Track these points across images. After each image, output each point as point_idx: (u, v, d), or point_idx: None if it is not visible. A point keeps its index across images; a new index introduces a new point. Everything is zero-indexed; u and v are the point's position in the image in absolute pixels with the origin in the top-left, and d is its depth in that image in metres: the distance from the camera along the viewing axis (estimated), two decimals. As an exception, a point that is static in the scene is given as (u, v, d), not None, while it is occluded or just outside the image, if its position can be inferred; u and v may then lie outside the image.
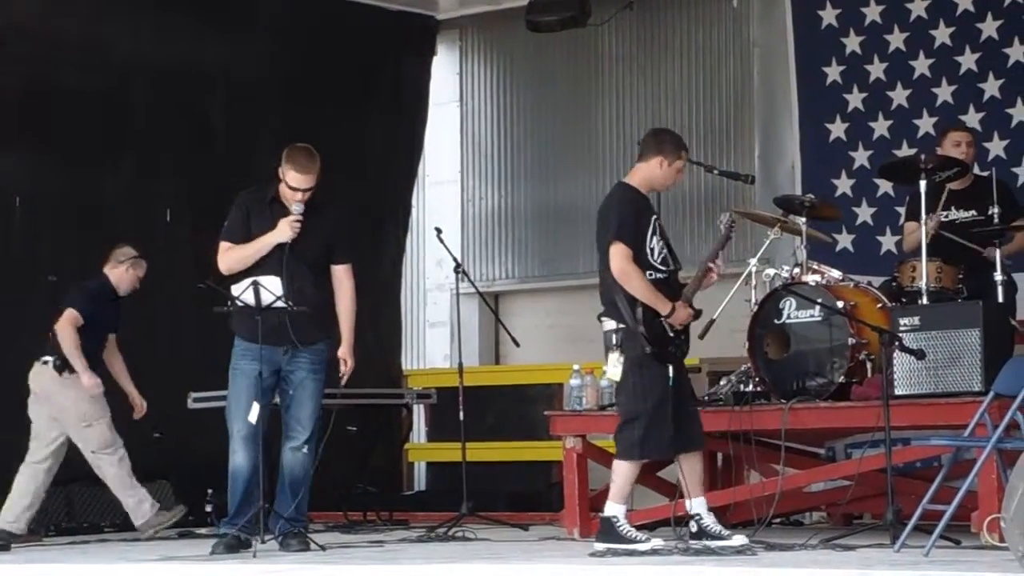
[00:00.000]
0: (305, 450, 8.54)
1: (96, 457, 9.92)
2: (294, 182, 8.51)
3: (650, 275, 7.87)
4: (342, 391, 9.99)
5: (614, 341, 7.90)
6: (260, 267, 8.47)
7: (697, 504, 7.97)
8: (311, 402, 8.58)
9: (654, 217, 7.97)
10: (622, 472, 7.89)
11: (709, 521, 7.93)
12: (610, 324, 7.92)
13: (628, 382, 7.87)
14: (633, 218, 7.86)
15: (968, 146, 9.33)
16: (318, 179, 8.61)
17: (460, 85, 13.73)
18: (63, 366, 9.87)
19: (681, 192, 12.24)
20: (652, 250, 7.90)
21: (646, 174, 8.02)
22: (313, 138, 12.22)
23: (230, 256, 8.52)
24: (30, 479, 9.84)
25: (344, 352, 8.67)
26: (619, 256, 7.82)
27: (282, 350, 8.48)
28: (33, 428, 9.98)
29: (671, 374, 7.83)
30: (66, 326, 9.83)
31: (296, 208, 8.48)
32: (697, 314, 8.04)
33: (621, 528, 7.83)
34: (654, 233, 7.92)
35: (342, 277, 8.68)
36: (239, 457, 8.44)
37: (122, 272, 10.09)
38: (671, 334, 7.86)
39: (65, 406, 9.87)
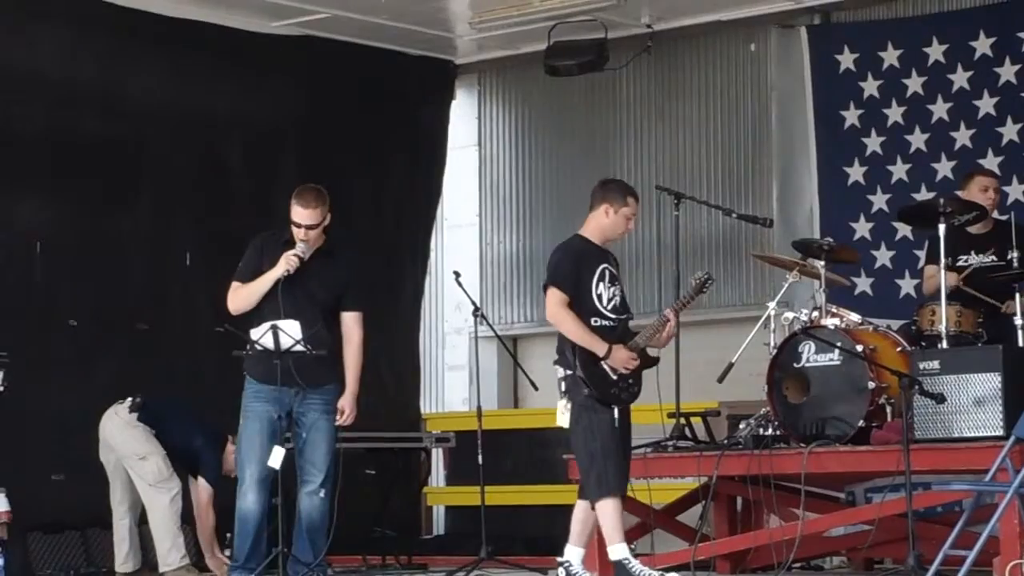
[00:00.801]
0: (322, 494, 8.51)
1: (151, 491, 9.98)
2: (297, 217, 8.52)
3: (595, 321, 8.04)
4: (361, 434, 10.02)
5: (562, 388, 8.07)
6: (272, 308, 8.43)
7: (571, 551, 8.13)
8: (324, 444, 8.55)
9: (603, 266, 8.11)
10: (606, 513, 7.97)
11: (578, 570, 8.09)
12: (560, 372, 8.10)
13: (578, 427, 8.03)
14: (573, 265, 8.06)
15: (996, 192, 9.38)
16: (326, 219, 8.57)
17: (479, 129, 13.76)
18: (139, 409, 10.08)
19: (700, 235, 12.24)
20: (599, 296, 8.06)
21: (596, 223, 8.21)
22: (332, 182, 12.23)
23: (237, 294, 8.55)
24: (120, 522, 10.12)
25: (345, 402, 8.57)
26: (551, 301, 8.05)
27: (293, 392, 8.47)
28: (108, 474, 10.20)
29: (616, 415, 7.97)
30: (205, 499, 10.13)
31: (300, 246, 8.48)
32: (651, 361, 8.17)
33: (632, 568, 7.90)
34: (601, 280, 8.07)
35: (351, 325, 8.62)
36: (250, 500, 8.41)
37: None
38: (614, 377, 7.98)
39: (122, 439, 10.07)
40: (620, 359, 7.96)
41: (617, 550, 7.93)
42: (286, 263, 8.41)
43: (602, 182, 8.37)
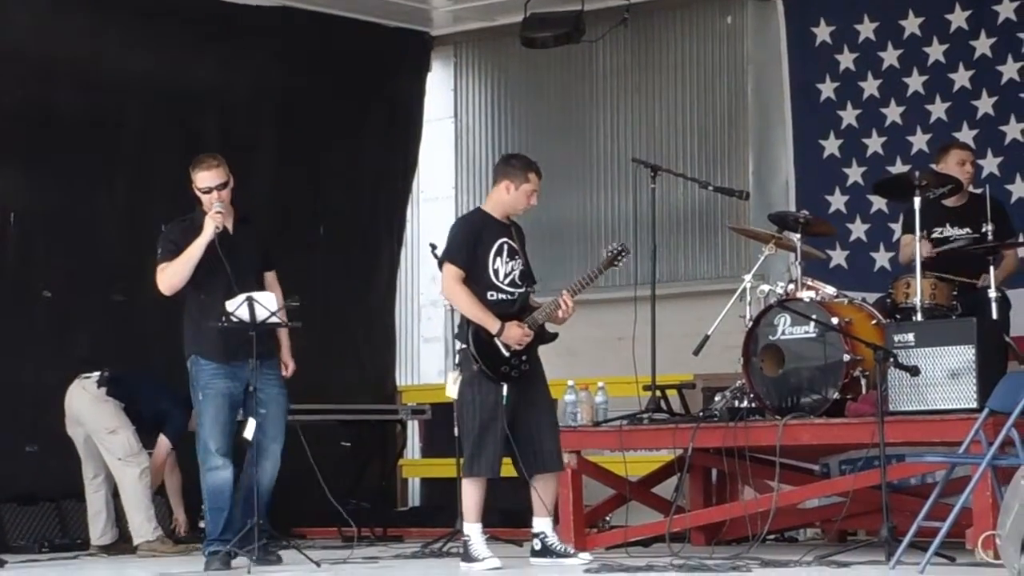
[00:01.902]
0: (278, 466, 8.57)
1: (121, 465, 10.03)
2: (204, 181, 8.59)
3: (492, 295, 8.11)
4: (337, 406, 10.02)
5: (455, 360, 8.22)
6: (220, 281, 8.45)
7: (543, 523, 8.16)
8: (282, 416, 8.67)
9: (502, 240, 8.16)
10: (468, 491, 8.11)
11: (553, 540, 8.15)
12: (458, 344, 8.21)
13: (462, 401, 8.12)
14: (468, 240, 8.13)
15: (972, 165, 9.39)
16: (231, 180, 8.65)
17: (455, 101, 13.73)
18: (106, 383, 10.17)
19: (676, 208, 12.25)
20: (496, 271, 8.13)
21: (496, 198, 8.28)
22: (307, 155, 12.33)
23: (168, 270, 8.56)
24: (95, 495, 10.18)
25: (286, 356, 8.73)
26: (446, 276, 8.17)
27: (251, 367, 8.48)
28: (78, 448, 10.24)
29: (505, 392, 7.97)
30: (165, 457, 10.35)
31: (217, 206, 8.51)
32: (548, 337, 8.20)
33: (470, 546, 8.04)
34: (499, 254, 8.13)
35: (273, 282, 8.77)
36: (223, 475, 8.44)
37: None
38: (506, 354, 8.03)
39: (92, 414, 10.12)
40: (513, 336, 8.01)
41: (466, 527, 8.08)
42: (213, 222, 8.46)
43: (504, 157, 8.43)
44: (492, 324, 8.02)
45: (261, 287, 8.66)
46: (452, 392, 8.23)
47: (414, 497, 13.05)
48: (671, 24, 12.65)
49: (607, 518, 9.89)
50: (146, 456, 10.11)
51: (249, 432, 8.41)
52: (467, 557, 8.06)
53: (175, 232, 8.68)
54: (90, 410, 10.18)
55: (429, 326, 13.79)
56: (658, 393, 9.30)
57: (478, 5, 12.74)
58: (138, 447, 10.08)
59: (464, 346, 8.10)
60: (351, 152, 12.66)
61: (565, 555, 8.07)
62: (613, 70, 12.88)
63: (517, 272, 8.19)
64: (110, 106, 11.29)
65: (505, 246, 8.18)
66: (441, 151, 13.72)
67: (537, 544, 8.16)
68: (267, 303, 8.42)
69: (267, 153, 11.61)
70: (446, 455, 10.52)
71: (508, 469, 11.26)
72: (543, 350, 8.32)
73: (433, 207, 13.77)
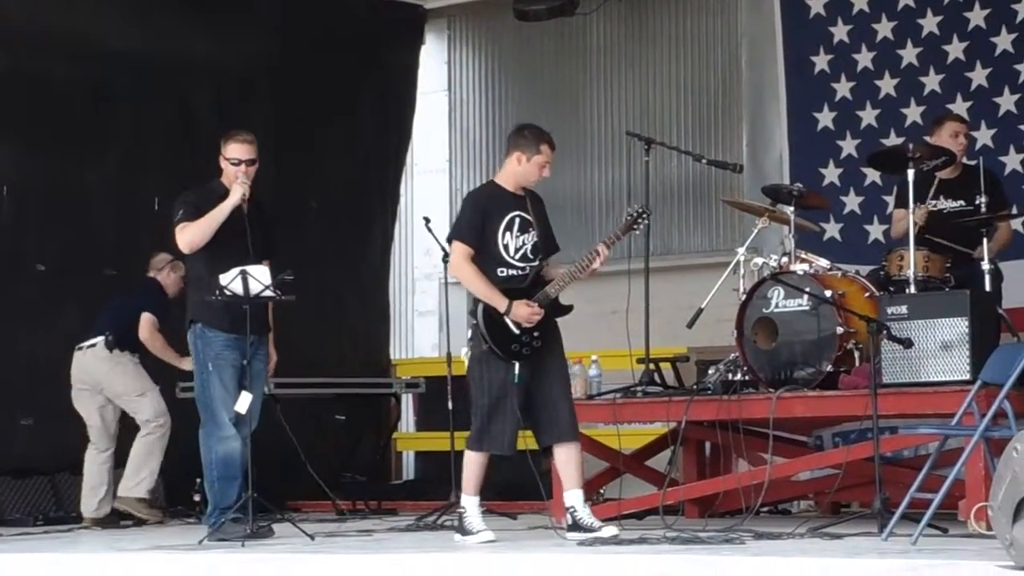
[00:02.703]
0: (247, 441, 8.58)
1: (149, 425, 10.17)
2: (237, 153, 8.61)
3: (503, 272, 8.01)
4: (331, 380, 10.03)
5: (468, 335, 8.12)
6: (239, 248, 8.47)
7: (572, 496, 8.04)
8: (262, 393, 8.77)
9: (513, 214, 8.04)
10: (466, 462, 8.05)
11: (583, 514, 8.00)
12: (471, 320, 8.11)
13: (471, 376, 8.06)
14: (477, 217, 8.02)
15: (965, 137, 9.39)
16: (258, 161, 8.68)
17: (448, 74, 13.72)
18: (115, 343, 10.22)
19: (670, 181, 12.26)
20: (506, 247, 8.02)
21: (509, 170, 8.15)
22: (301, 127, 12.32)
23: (191, 228, 8.55)
24: (100, 467, 10.26)
25: (272, 348, 8.82)
26: (454, 254, 8.07)
27: (250, 340, 8.52)
28: (86, 420, 10.27)
29: (516, 371, 7.90)
30: (149, 330, 10.30)
31: (242, 178, 8.54)
32: (562, 310, 8.10)
33: (465, 518, 8.00)
34: (509, 229, 8.02)
35: (266, 271, 8.73)
36: (234, 444, 8.45)
37: (166, 276, 10.46)
38: (516, 331, 7.94)
39: (116, 380, 10.19)
40: (521, 314, 7.91)
41: (463, 499, 8.04)
42: (241, 188, 8.50)
43: (517, 128, 8.27)
44: (500, 303, 7.92)
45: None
46: (467, 367, 8.14)
47: (408, 470, 13.07)
48: (665, -3, 12.64)
49: (601, 491, 9.90)
50: (168, 417, 10.20)
51: (242, 405, 8.41)
52: (462, 529, 8.04)
53: (195, 195, 8.68)
54: (111, 376, 10.24)
55: (423, 299, 13.80)
56: (652, 366, 9.30)
57: (472, -22, 12.73)
58: (163, 407, 10.24)
59: (475, 323, 8.01)
60: (345, 125, 12.65)
61: (590, 529, 7.91)
62: (607, 43, 12.87)
63: (529, 246, 8.05)
64: (104, 79, 11.27)
65: (517, 219, 8.03)
66: (435, 124, 13.72)
67: (568, 519, 8.04)
68: (261, 277, 8.42)
69: (261, 127, 11.51)
70: (440, 428, 10.55)
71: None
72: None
73: (427, 180, 13.77)
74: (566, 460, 8.06)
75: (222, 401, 8.49)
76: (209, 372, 8.53)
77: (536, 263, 8.08)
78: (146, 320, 10.31)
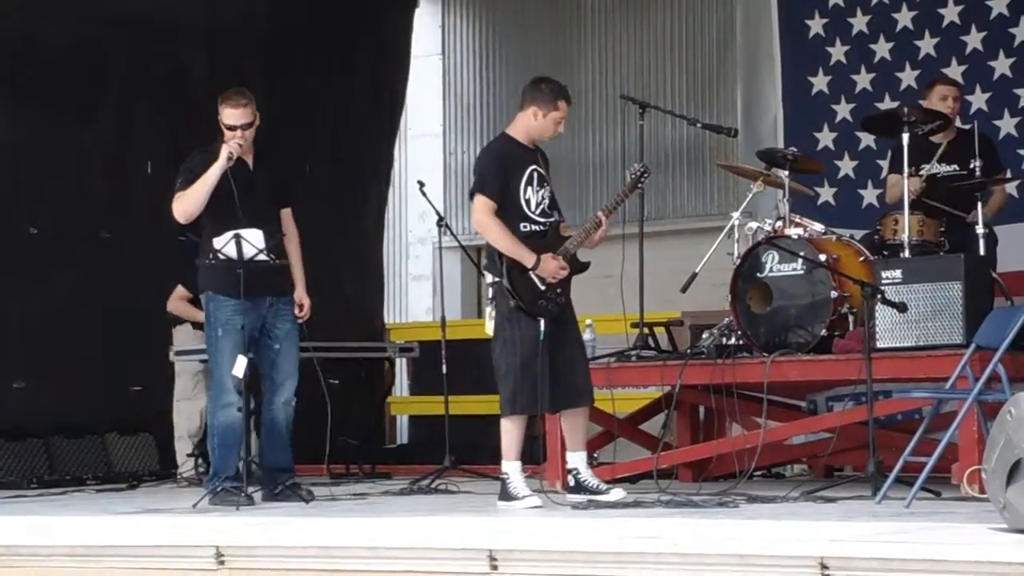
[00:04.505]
0: (293, 402, 8.59)
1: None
2: (230, 119, 8.53)
3: (525, 227, 7.85)
4: (325, 344, 10.00)
5: (489, 295, 7.94)
6: (229, 213, 8.40)
7: (576, 459, 7.96)
8: (295, 353, 8.66)
9: (532, 168, 7.89)
10: (504, 429, 7.86)
11: (587, 476, 7.94)
12: (488, 278, 7.94)
13: (500, 336, 7.86)
14: (500, 170, 7.85)
15: (955, 100, 9.34)
16: (257, 119, 8.61)
17: (442, 38, 13.69)
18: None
19: (665, 145, 12.24)
20: (528, 201, 7.87)
21: (523, 124, 7.97)
22: (294, 91, 12.26)
23: (183, 198, 8.48)
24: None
25: (301, 294, 8.69)
26: (478, 209, 7.86)
27: (267, 303, 8.48)
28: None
29: (542, 328, 7.75)
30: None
31: (234, 143, 8.47)
32: (581, 267, 7.97)
33: (509, 484, 7.81)
34: (529, 183, 7.88)
35: (288, 220, 8.75)
36: (235, 412, 8.41)
37: None
38: (542, 287, 7.80)
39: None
40: (549, 269, 7.76)
41: (505, 465, 7.85)
42: (228, 148, 8.41)
43: (534, 80, 8.08)
44: (528, 258, 7.74)
45: (278, 229, 8.60)
46: (489, 328, 7.93)
47: (402, 434, 13.08)
48: (660, -40, 12.60)
49: (595, 455, 9.88)
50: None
51: (239, 370, 8.38)
52: (505, 495, 7.80)
53: (194, 161, 8.59)
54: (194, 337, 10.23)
55: (417, 264, 13.79)
56: (646, 330, 9.30)
57: (465, -59, 12.68)
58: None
59: (496, 280, 7.82)
60: (338, 89, 12.60)
61: (597, 491, 7.85)
62: (601, 6, 12.85)
63: (547, 201, 7.92)
64: (95, 39, 11.19)
65: (535, 174, 7.89)
66: (429, 88, 13.68)
67: (571, 480, 7.97)
68: (254, 240, 8.39)
69: (254, 90, 11.45)
70: (434, 393, 10.55)
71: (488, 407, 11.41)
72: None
73: (421, 144, 13.75)
74: (574, 424, 7.98)
75: (226, 367, 8.43)
76: (216, 338, 8.49)
77: (554, 218, 7.95)
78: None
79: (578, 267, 7.98)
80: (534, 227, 7.88)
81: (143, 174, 11.36)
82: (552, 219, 7.94)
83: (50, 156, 10.97)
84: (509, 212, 7.84)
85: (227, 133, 8.54)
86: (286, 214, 8.75)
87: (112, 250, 10.97)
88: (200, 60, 11.76)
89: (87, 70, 11.19)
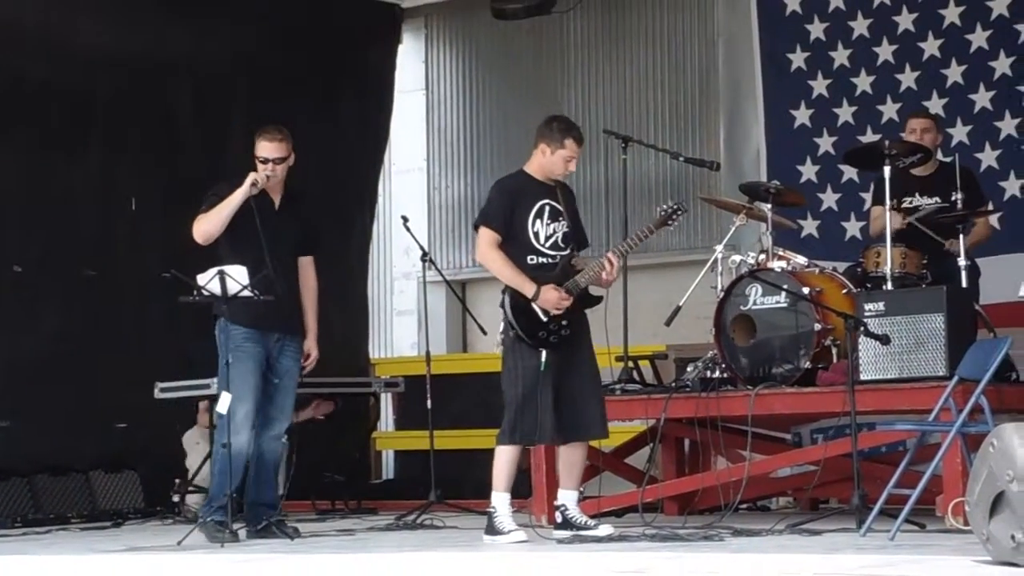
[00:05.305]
0: (284, 439, 8.59)
1: None
2: (264, 151, 8.55)
3: (532, 259, 7.91)
4: (311, 379, 10.00)
5: (500, 327, 7.99)
6: (251, 244, 8.37)
7: (567, 496, 7.98)
8: (293, 391, 8.67)
9: (543, 202, 7.96)
10: (498, 457, 7.88)
11: (574, 512, 7.95)
12: (501, 311, 8.00)
13: (505, 366, 7.93)
14: (506, 203, 7.93)
15: (924, 132, 9.34)
16: (291, 157, 8.64)
17: (426, 73, 13.72)
18: None
19: (648, 179, 12.27)
20: (536, 234, 7.92)
21: (536, 160, 8.07)
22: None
23: (204, 219, 8.46)
24: None
25: (311, 344, 8.68)
26: (480, 240, 7.96)
27: (274, 337, 8.49)
28: None
29: (543, 359, 7.78)
30: None
31: (263, 174, 8.47)
32: (592, 301, 8.00)
33: (495, 518, 7.82)
34: (539, 217, 7.93)
35: (308, 268, 8.72)
36: (243, 439, 8.37)
37: None
38: (544, 319, 7.83)
39: None
40: (550, 300, 7.79)
41: (494, 497, 7.85)
42: (252, 177, 8.42)
43: (547, 119, 8.15)
44: (527, 288, 7.80)
45: (295, 271, 8.60)
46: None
47: (388, 470, 13.07)
48: (642, -6, 12.65)
49: (581, 489, 9.90)
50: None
51: (222, 406, 8.36)
52: (491, 529, 7.82)
53: (221, 187, 8.58)
54: None
55: (402, 299, 13.79)
56: (630, 364, 9.32)
57: (448, -24, 12.73)
58: None
59: (501, 309, 7.90)
60: (323, 124, 12.62)
61: (585, 527, 7.85)
62: (584, 41, 12.88)
63: (560, 234, 7.95)
64: (80, 77, 11.19)
65: (547, 208, 7.93)
66: (413, 123, 13.71)
67: (558, 517, 7.98)
68: (238, 276, 8.38)
69: (237, 124, 11.55)
70: (420, 428, 10.55)
71: (487, 442, 11.39)
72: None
73: (405, 179, 13.76)
74: (573, 459, 7.99)
75: (241, 394, 8.37)
76: (227, 365, 8.46)
77: (567, 252, 7.97)
78: None
79: (589, 301, 8.02)
80: (542, 259, 7.93)
81: (127, 211, 11.36)
82: (564, 252, 7.98)
83: (35, 194, 10.95)
84: (517, 244, 7.91)
85: (259, 168, 8.55)
86: (307, 262, 8.71)
87: (97, 288, 10.95)
88: (185, 99, 11.77)
89: (72, 107, 11.18)
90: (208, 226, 8.46)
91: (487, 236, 7.92)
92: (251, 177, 8.44)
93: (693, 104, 12.41)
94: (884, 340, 8.12)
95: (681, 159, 9.96)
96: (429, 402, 9.95)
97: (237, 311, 8.41)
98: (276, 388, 8.55)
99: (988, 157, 10.91)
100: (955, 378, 7.61)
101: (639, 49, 12.67)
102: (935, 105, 10.97)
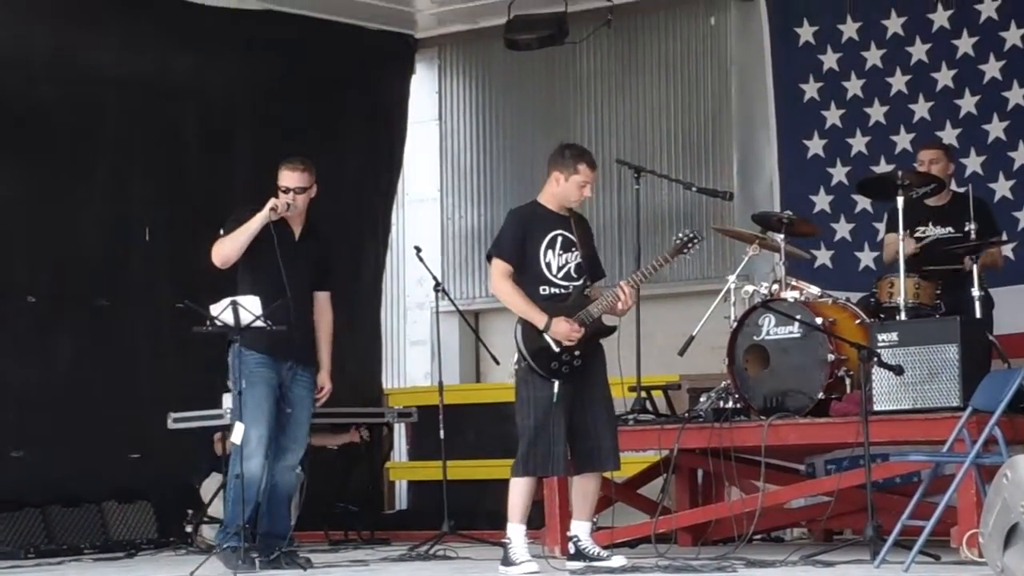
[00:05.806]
0: (298, 469, 8.59)
1: None
2: (286, 181, 8.60)
3: (544, 290, 7.91)
4: (323, 410, 10.00)
5: (515, 359, 7.99)
6: (265, 278, 8.41)
7: (580, 527, 7.98)
8: (307, 422, 8.66)
9: (556, 232, 7.96)
10: (513, 489, 7.87)
11: (587, 543, 7.95)
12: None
13: (518, 397, 7.93)
14: (518, 234, 7.93)
15: (932, 164, 9.34)
16: (313, 188, 8.69)
17: (439, 103, 13.73)
18: None
19: (660, 209, 12.26)
20: (548, 265, 7.93)
21: (549, 190, 8.07)
22: (291, 155, 12.26)
23: (222, 243, 8.50)
24: None
25: (324, 378, 8.70)
26: (493, 271, 7.97)
27: (287, 365, 8.49)
28: None
29: (556, 390, 7.78)
30: None
31: (284, 201, 8.50)
32: (606, 331, 8.00)
33: (510, 549, 7.81)
34: (551, 247, 7.94)
35: (325, 303, 8.74)
36: (255, 464, 8.36)
37: None
38: (556, 349, 7.83)
39: None
40: (561, 331, 7.78)
41: (510, 528, 7.84)
42: (271, 204, 8.45)
43: (559, 147, 8.15)
44: (539, 319, 7.79)
45: (310, 303, 8.62)
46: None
47: (401, 500, 13.05)
48: (655, 25, 12.66)
49: (594, 519, 9.88)
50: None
51: (236, 436, 8.35)
52: (506, 560, 7.81)
53: (243, 212, 8.62)
54: None
55: (415, 329, 13.78)
56: (643, 394, 9.31)
57: (462, 8, 12.75)
58: None
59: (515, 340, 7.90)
60: (336, 155, 12.63)
61: (598, 558, 7.86)
62: (597, 71, 12.89)
63: (573, 265, 7.95)
64: (91, 106, 11.19)
65: (559, 238, 7.94)
66: (426, 153, 13.72)
67: (572, 547, 7.97)
68: (251, 307, 8.39)
69: (248, 155, 11.57)
70: (433, 458, 10.53)
71: (500, 472, 11.37)
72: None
73: (418, 209, 13.77)
74: (586, 490, 7.99)
75: (254, 418, 8.38)
76: (242, 390, 8.45)
77: (580, 283, 7.97)
78: None
79: (603, 331, 8.01)
80: (554, 290, 7.93)
81: (140, 240, 11.37)
82: (577, 283, 7.97)
83: (47, 224, 10.96)
84: (529, 275, 7.91)
85: (280, 195, 8.59)
86: (323, 297, 8.73)
87: (110, 317, 10.96)
88: (196, 127, 11.77)
89: (83, 136, 11.18)
90: (226, 249, 8.50)
91: (499, 267, 7.92)
92: (271, 203, 8.49)
93: (706, 134, 12.42)
94: (898, 371, 8.10)
95: (694, 189, 9.97)
96: (442, 432, 9.95)
97: (251, 337, 8.43)
98: (289, 419, 8.54)
99: (1002, 187, 10.90)
100: (969, 409, 7.59)
101: (652, 79, 12.68)
102: (948, 135, 10.97)
